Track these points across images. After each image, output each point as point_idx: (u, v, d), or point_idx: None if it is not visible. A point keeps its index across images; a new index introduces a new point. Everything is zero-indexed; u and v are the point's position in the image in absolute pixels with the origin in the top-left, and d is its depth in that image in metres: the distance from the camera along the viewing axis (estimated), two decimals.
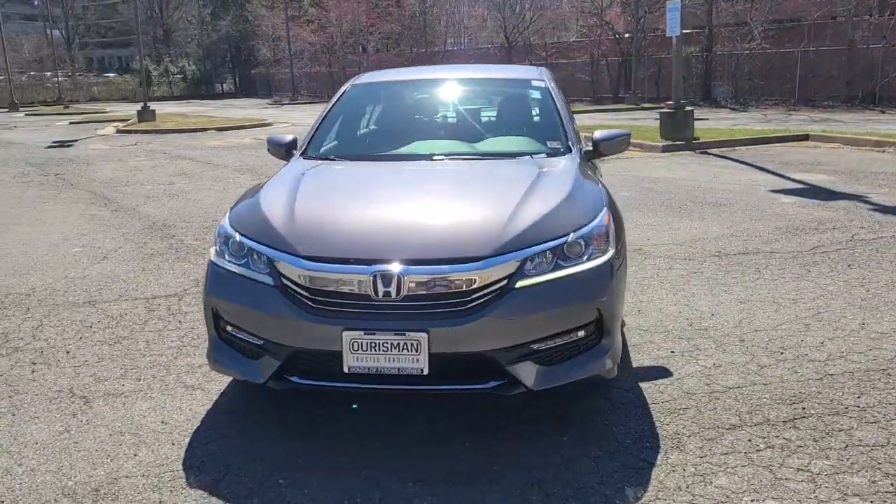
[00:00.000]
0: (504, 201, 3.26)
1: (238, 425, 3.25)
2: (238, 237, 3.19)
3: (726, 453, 2.96)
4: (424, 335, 2.81)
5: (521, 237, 3.00)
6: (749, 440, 3.06)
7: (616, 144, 4.30)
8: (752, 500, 2.63)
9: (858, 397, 3.44)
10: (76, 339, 4.39)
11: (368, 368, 2.86)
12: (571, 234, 3.08)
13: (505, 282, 2.90)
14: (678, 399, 3.46)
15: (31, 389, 3.67)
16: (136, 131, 22.69)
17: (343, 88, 4.88)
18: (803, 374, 3.71)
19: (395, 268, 2.86)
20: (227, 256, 3.19)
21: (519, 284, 2.92)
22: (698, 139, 14.59)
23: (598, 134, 4.29)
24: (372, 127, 4.72)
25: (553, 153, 4.08)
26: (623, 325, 4.38)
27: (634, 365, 3.88)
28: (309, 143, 4.36)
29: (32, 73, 62.04)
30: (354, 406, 3.36)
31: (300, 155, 4.27)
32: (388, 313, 2.87)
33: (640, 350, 4.08)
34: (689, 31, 34.55)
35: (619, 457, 2.95)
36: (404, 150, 4.25)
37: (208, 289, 3.20)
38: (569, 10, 39.47)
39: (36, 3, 68.98)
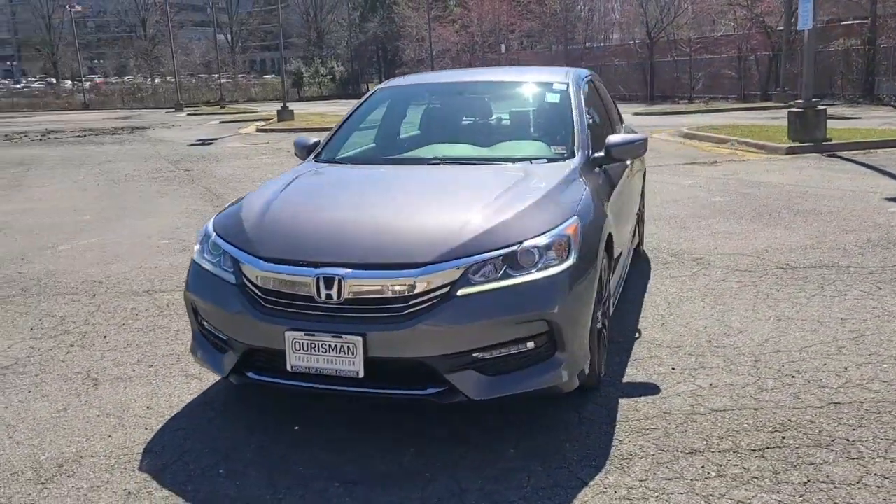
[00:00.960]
0: (463, 208, 3.27)
1: (212, 416, 3.46)
2: (214, 237, 3.40)
3: (670, 479, 2.83)
4: (360, 339, 2.88)
5: (467, 244, 3.00)
6: (702, 467, 2.90)
7: (631, 150, 4.16)
8: None
9: (853, 430, 3.16)
10: (118, 326, 4.80)
11: (308, 368, 2.98)
12: (525, 242, 3.04)
13: (447, 289, 2.92)
14: (651, 419, 3.32)
15: (56, 370, 4.07)
16: (273, 130, 24.08)
17: (370, 92, 5.02)
18: (804, 401, 3.45)
19: (339, 271, 2.95)
20: (205, 255, 3.40)
21: (461, 292, 2.92)
22: (830, 140, 13.59)
23: (611, 139, 4.16)
24: (387, 130, 4.82)
25: (555, 158, 4.01)
26: (638, 335, 4.27)
27: (625, 380, 3.75)
28: (325, 146, 4.54)
29: (202, 75, 66.93)
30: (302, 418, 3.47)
31: (313, 157, 4.45)
32: (328, 315, 2.96)
33: (640, 365, 3.94)
34: (849, 22, 32.11)
35: (557, 474, 2.88)
36: (412, 153, 4.32)
37: (188, 285, 3.43)
38: (717, 1, 37.62)
39: (208, 10, 74.46)
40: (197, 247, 3.51)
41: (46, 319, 4.97)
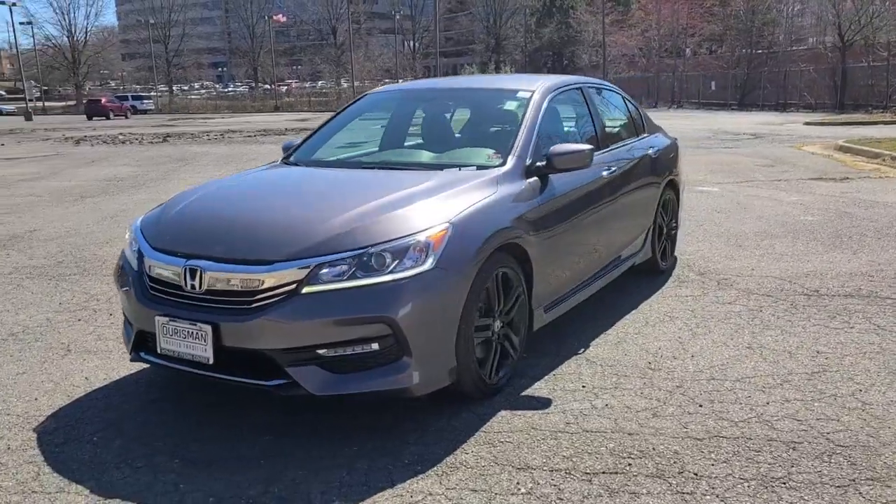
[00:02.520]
0: (332, 211, 3.42)
1: (127, 392, 3.82)
2: (136, 228, 3.80)
3: (476, 490, 2.83)
4: (210, 327, 3.14)
5: (318, 245, 3.16)
6: (517, 483, 2.88)
7: (575, 159, 4.09)
8: None
9: (712, 465, 2.98)
10: None
11: (172, 351, 3.28)
12: (378, 246, 3.16)
13: (293, 286, 3.10)
14: (514, 432, 3.30)
15: (47, 340, 4.67)
16: None
17: (358, 97, 5.27)
18: (688, 431, 3.27)
19: (202, 263, 3.23)
20: (129, 245, 3.81)
21: (306, 290, 3.09)
22: None
23: (553, 148, 4.12)
24: (355, 133, 5.02)
25: (486, 166, 4.04)
26: (583, 350, 4.21)
27: (525, 393, 3.72)
28: (297, 147, 4.84)
29: (386, 80, 70.23)
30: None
31: (282, 159, 4.76)
32: (189, 304, 3.25)
33: (556, 379, 3.88)
34: None
35: (374, 474, 2.96)
36: (357, 157, 4.52)
37: (115, 273, 3.85)
38: None
39: (397, 18, 78.04)
40: (127, 237, 3.91)
41: (79, 295, 5.67)
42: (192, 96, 69.41)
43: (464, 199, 3.58)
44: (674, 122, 28.69)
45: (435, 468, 3.00)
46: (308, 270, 3.10)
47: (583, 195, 4.44)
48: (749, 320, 4.76)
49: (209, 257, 3.25)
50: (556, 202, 4.14)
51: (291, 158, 4.72)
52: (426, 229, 3.27)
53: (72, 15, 67.76)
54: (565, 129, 4.82)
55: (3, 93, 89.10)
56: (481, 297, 3.46)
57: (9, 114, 58.94)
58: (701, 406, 3.53)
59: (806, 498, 2.74)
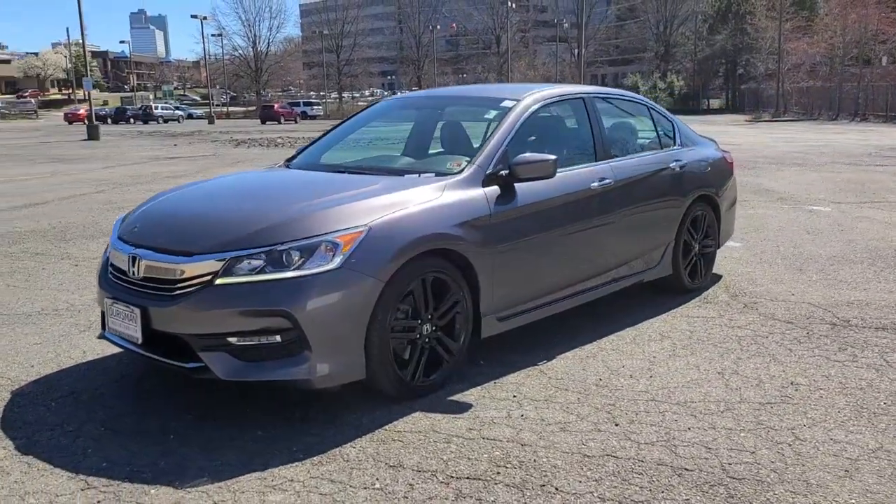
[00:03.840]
0: (261, 209, 3.70)
1: (111, 371, 4.27)
2: (115, 222, 4.27)
3: (334, 481, 2.99)
4: (138, 310, 3.52)
5: (234, 241, 3.45)
6: (376, 478, 3.01)
7: (538, 168, 4.13)
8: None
9: (579, 482, 2.95)
10: None
11: (115, 330, 3.69)
12: (287, 244, 3.40)
13: (209, 277, 3.41)
14: (413, 433, 3.41)
15: (81, 318, 5.29)
16: None
17: (366, 106, 5.55)
18: (585, 448, 3.24)
19: (141, 252, 3.63)
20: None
21: (219, 281, 3.39)
22: None
23: (517, 157, 4.18)
24: (351, 139, 5.26)
25: (445, 173, 4.17)
26: (544, 362, 4.25)
27: (453, 397, 3.80)
28: (301, 151, 5.17)
29: None
30: None
31: (285, 160, 5.11)
32: (129, 288, 3.65)
33: (495, 387, 3.93)
34: None
35: (257, 460, 3.14)
36: (343, 162, 4.77)
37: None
38: None
39: (566, 26, 77.90)
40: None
41: None
42: (361, 103, 72.85)
43: (396, 203, 3.73)
44: (832, 137, 26.75)
45: (314, 458, 3.19)
46: (224, 263, 3.40)
47: (560, 206, 4.44)
48: (745, 346, 4.54)
49: (149, 247, 3.63)
50: (519, 211, 4.18)
51: (293, 161, 5.06)
52: (339, 230, 3.47)
53: (257, 27, 73.54)
54: (553, 139, 4.82)
55: (198, 98, 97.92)
56: (402, 299, 3.60)
57: (197, 118, 64.95)
58: (617, 425, 3.48)
59: None
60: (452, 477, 3.02)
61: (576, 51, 74.34)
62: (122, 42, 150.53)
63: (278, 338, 3.36)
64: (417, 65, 77.69)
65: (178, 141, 31.09)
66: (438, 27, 68.53)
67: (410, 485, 2.96)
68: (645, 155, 5.35)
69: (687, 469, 3.07)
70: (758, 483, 2.95)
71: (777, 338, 4.69)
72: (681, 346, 4.57)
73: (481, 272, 3.96)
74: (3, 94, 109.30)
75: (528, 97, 4.68)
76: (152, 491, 2.92)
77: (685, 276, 5.65)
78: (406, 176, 4.21)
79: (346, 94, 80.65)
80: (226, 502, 2.84)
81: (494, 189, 4.14)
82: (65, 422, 3.57)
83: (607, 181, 4.79)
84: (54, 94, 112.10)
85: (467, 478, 3.01)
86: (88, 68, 36.27)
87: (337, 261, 3.40)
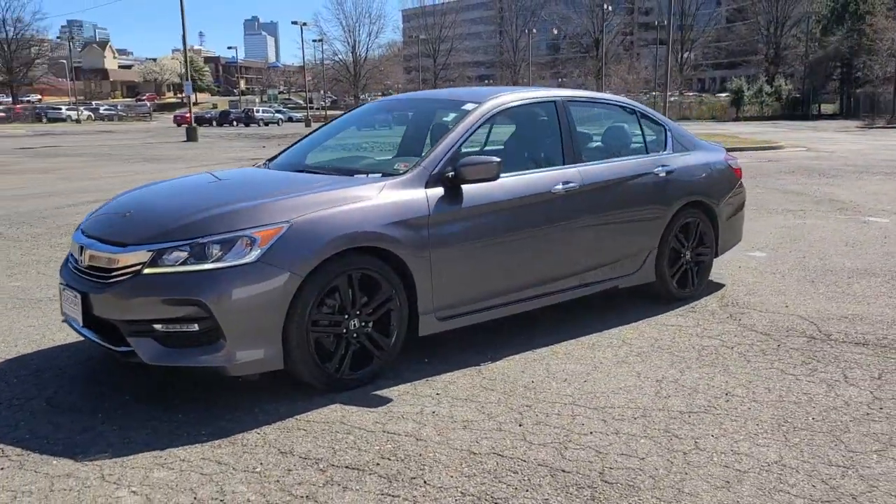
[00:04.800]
0: (200, 204, 3.93)
1: (82, 352, 4.64)
2: (86, 216, 4.62)
3: (220, 463, 3.19)
4: (80, 296, 3.83)
5: (165, 233, 3.70)
6: (260, 462, 3.18)
7: (481, 170, 4.22)
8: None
9: (452, 478, 3.04)
10: None
11: (65, 314, 4.03)
12: (208, 237, 3.63)
13: (138, 267, 3.69)
14: (320, 423, 3.56)
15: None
16: None
17: (352, 109, 5.74)
18: (476, 446, 3.32)
19: (88, 242, 3.95)
20: None
21: (147, 271, 3.66)
22: None
23: (463, 159, 4.28)
24: (333, 138, 5.45)
25: (391, 174, 4.31)
26: (489, 362, 4.33)
27: (376, 391, 3.93)
28: (280, 152, 5.42)
29: (653, 93, 68.80)
30: None
31: (266, 160, 5.37)
32: (77, 276, 3.96)
33: (427, 384, 4.03)
34: None
35: (161, 439, 3.39)
36: (311, 161, 4.97)
37: None
38: None
39: (671, 29, 76.17)
40: None
41: None
42: None
43: (327, 202, 3.90)
44: None
45: (215, 441, 3.39)
46: (151, 254, 3.66)
47: (512, 208, 4.49)
48: (703, 356, 4.47)
49: (96, 238, 3.94)
50: (463, 213, 4.27)
51: (273, 161, 5.32)
52: (259, 226, 3.67)
53: (357, 32, 75.51)
54: (514, 142, 4.87)
55: (301, 101, 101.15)
56: (327, 294, 3.77)
57: (296, 121, 67.19)
58: (520, 426, 3.53)
59: None
60: (333, 465, 3.16)
61: (679, 54, 72.53)
62: (229, 48, 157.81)
63: (196, 326, 3.58)
64: (513, 69, 77.70)
65: (269, 143, 32.30)
66: (534, 31, 68.25)
67: (288, 470, 3.12)
68: (623, 160, 5.31)
69: (564, 471, 3.10)
70: (628, 488, 2.96)
71: (743, 349, 4.59)
72: (636, 353, 4.54)
73: (417, 271, 4.07)
74: (124, 97, 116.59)
75: (491, 101, 4.76)
76: (54, 461, 3.20)
77: (672, 283, 5.56)
78: (355, 176, 4.38)
79: None
80: (113, 475, 3.08)
81: (438, 190, 4.24)
82: (16, 396, 3.92)
83: (572, 185, 4.80)
84: (170, 97, 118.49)
85: (346, 467, 3.15)
86: (190, 73, 38.22)
87: (254, 255, 3.60)
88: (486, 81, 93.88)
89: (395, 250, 3.98)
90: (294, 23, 58.94)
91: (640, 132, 5.58)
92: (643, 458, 3.20)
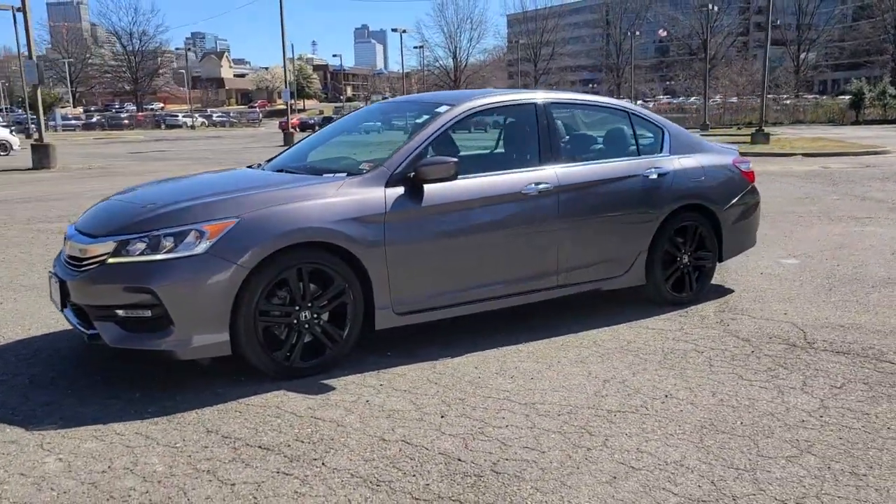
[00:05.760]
0: (161, 201, 4.26)
1: (76, 337, 5.04)
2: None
3: (148, 437, 3.49)
4: (59, 282, 4.24)
5: (128, 226, 4.05)
6: (184, 440, 3.46)
7: (438, 170, 4.39)
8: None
9: (350, 461, 3.22)
10: None
11: (52, 298, 4.45)
12: (161, 230, 3.96)
13: (103, 257, 4.05)
14: (258, 406, 3.80)
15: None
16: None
17: (353, 110, 5.99)
18: (389, 434, 3.48)
19: (71, 233, 4.35)
20: None
21: (110, 261, 4.01)
22: None
23: (423, 160, 4.46)
24: (327, 141, 5.69)
25: (352, 173, 4.54)
26: (451, 358, 4.49)
27: (325, 380, 4.13)
28: (277, 154, 5.72)
29: (771, 96, 66.06)
30: None
31: (265, 160, 5.69)
32: (62, 265, 4.38)
33: (376, 376, 4.21)
34: None
35: (106, 413, 3.74)
36: (298, 162, 5.24)
37: None
38: None
39: (787, 29, 73.22)
40: None
41: None
42: None
43: (280, 199, 4.16)
44: None
45: (155, 418, 3.69)
46: (115, 245, 4.01)
47: (475, 208, 4.62)
48: (665, 359, 4.46)
49: (78, 231, 4.35)
50: (423, 211, 4.44)
51: (269, 162, 5.63)
52: (209, 221, 3.96)
53: (458, 38, 76.42)
54: (486, 143, 4.98)
55: None
56: (277, 285, 4.03)
57: None
58: (442, 417, 3.66)
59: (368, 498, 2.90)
60: (247, 444, 3.40)
61: (796, 55, 69.54)
62: (334, 56, 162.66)
63: (149, 312, 3.91)
64: (617, 72, 76.52)
65: None
66: (638, 33, 67.02)
67: (205, 447, 3.38)
68: (608, 161, 5.32)
69: (460, 460, 3.22)
70: (513, 479, 3.05)
71: (712, 354, 4.54)
72: (600, 354, 4.57)
73: (372, 267, 4.27)
74: (238, 104, 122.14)
75: (465, 103, 4.90)
76: (8, 429, 3.58)
77: (666, 287, 5.52)
78: (324, 175, 4.62)
79: None
80: (51, 444, 3.42)
81: (398, 189, 4.42)
82: (6, 372, 4.37)
83: (546, 185, 4.87)
84: (280, 104, 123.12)
85: (258, 446, 3.37)
86: (288, 81, 39.82)
87: (202, 247, 3.90)
88: (591, 85, 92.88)
89: (347, 246, 4.19)
90: (394, 30, 60.28)
91: (631, 134, 5.57)
92: (544, 452, 3.28)
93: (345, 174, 4.56)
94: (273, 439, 3.44)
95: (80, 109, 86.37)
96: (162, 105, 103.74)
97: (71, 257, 4.26)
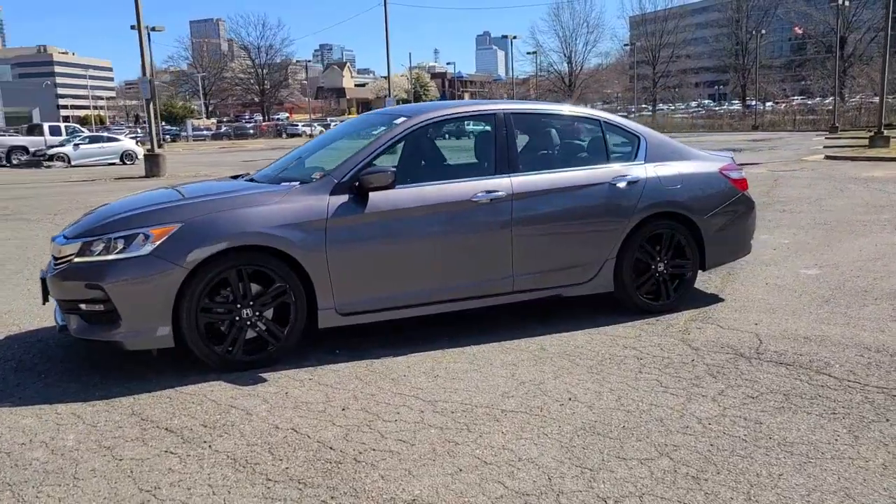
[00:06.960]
0: (128, 208, 4.77)
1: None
2: None
3: (79, 416, 3.98)
4: (41, 280, 4.84)
5: (92, 230, 4.58)
6: (105, 421, 3.92)
7: (376, 179, 4.70)
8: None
9: (229, 445, 3.59)
10: None
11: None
12: (114, 234, 4.46)
13: (71, 257, 4.61)
14: (191, 395, 4.23)
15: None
16: (846, 158, 22.48)
17: (346, 120, 6.35)
18: (301, 425, 3.82)
19: (57, 238, 4.95)
20: None
21: (76, 260, 4.56)
22: None
23: (364, 170, 4.78)
24: (310, 151, 6.07)
25: (303, 181, 4.92)
26: (389, 358, 4.80)
27: (262, 373, 4.52)
28: (270, 165, 6.17)
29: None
30: None
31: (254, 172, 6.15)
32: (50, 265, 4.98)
33: (312, 371, 4.57)
34: None
35: (65, 395, 4.30)
36: (268, 171, 5.67)
37: None
38: None
39: None
40: None
41: None
42: (678, 115, 71.21)
43: (226, 206, 4.59)
44: None
45: (94, 402, 4.17)
46: (80, 246, 4.56)
47: (419, 216, 4.88)
48: (600, 365, 4.57)
49: (63, 234, 4.93)
50: (364, 218, 4.75)
51: (257, 173, 6.09)
52: (156, 225, 4.44)
53: (574, 43, 75.93)
54: (440, 154, 5.23)
55: None
56: (218, 284, 4.45)
57: None
58: (343, 410, 3.97)
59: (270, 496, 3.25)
60: (157, 426, 3.82)
61: None
62: (448, 63, 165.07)
63: (101, 307, 4.43)
64: (743, 72, 73.70)
65: None
66: (763, 31, 64.27)
67: (119, 426, 3.83)
68: (571, 170, 5.44)
69: (331, 448, 3.51)
70: (369, 466, 3.32)
71: (648, 361, 4.61)
72: (536, 358, 4.72)
73: (313, 269, 4.63)
74: (358, 113, 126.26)
75: (421, 115, 5.19)
76: None
77: (638, 295, 5.57)
78: (281, 184, 5.02)
79: (665, 107, 79.54)
80: (4, 416, 3.97)
81: (342, 197, 4.76)
82: (10, 357, 5.01)
83: (499, 193, 5.07)
84: None
85: (165, 429, 3.79)
86: (391, 89, 40.91)
87: (147, 249, 4.38)
88: (717, 87, 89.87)
89: (287, 249, 4.56)
90: (504, 37, 60.73)
91: (601, 143, 5.66)
92: (413, 445, 3.52)
93: (297, 183, 4.93)
94: (181, 423, 3.85)
95: (212, 120, 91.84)
96: (288, 115, 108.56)
97: (53, 257, 4.85)
